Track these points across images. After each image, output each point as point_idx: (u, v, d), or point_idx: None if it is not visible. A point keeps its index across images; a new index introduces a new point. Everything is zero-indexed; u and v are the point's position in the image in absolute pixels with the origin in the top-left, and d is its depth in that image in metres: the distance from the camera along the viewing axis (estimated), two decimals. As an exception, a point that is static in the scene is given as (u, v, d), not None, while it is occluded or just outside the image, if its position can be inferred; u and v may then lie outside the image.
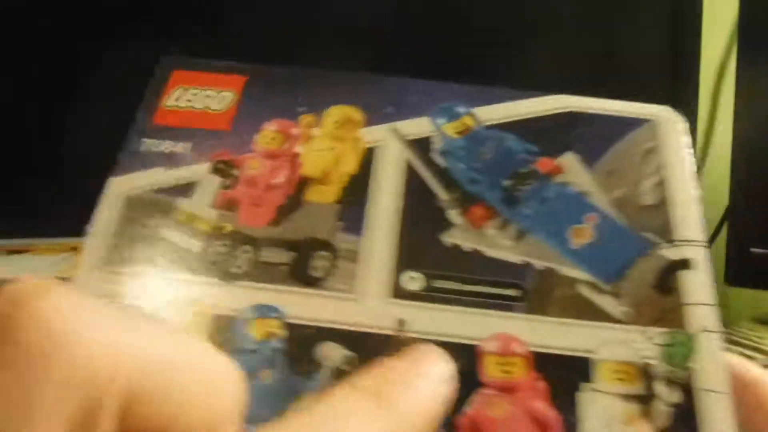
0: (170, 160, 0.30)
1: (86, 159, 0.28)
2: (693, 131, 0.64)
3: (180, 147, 0.30)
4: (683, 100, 0.64)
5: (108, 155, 0.30)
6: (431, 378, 0.21)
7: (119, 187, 0.29)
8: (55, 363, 0.13)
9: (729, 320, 0.74)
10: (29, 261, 0.69)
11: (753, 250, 0.65)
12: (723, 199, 0.67)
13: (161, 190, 0.29)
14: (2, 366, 0.13)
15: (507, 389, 0.26)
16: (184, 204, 0.29)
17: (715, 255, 0.72)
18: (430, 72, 0.33)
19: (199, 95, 0.32)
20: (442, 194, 0.30)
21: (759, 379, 0.28)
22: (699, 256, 0.29)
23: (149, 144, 0.30)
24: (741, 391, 0.27)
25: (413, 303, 0.27)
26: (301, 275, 0.28)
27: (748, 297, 0.74)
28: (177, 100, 0.32)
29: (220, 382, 0.18)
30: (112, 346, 0.14)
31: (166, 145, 0.30)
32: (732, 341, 0.61)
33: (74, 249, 0.72)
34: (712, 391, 0.26)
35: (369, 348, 0.26)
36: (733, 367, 0.27)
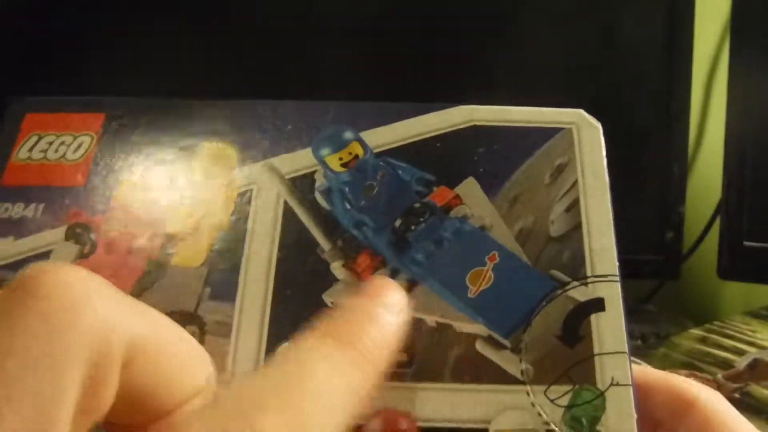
0: (19, 227, 0.27)
1: None
2: (686, 124, 0.62)
3: (31, 210, 0.27)
4: (676, 93, 0.61)
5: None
6: (388, 310, 0.22)
7: None
8: (76, 316, 0.16)
9: (722, 314, 0.73)
10: None
11: (746, 243, 0.64)
12: (716, 192, 0.66)
13: (8, 266, 0.26)
14: (35, 317, 0.16)
15: None
16: (35, 280, 0.26)
17: (707, 249, 0.70)
18: (321, 91, 0.29)
19: (54, 143, 0.29)
20: (324, 243, 0.26)
21: (700, 398, 0.26)
22: (612, 293, 0.26)
23: None
24: (685, 410, 0.25)
25: None
26: (164, 357, 0.25)
27: (741, 290, 0.73)
28: (30, 150, 0.28)
29: (199, 357, 0.20)
30: (119, 307, 0.18)
31: (15, 210, 0.27)
32: (725, 334, 0.61)
33: None
34: None
35: None
36: (675, 386, 0.26)
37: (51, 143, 0.28)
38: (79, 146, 0.28)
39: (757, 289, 0.70)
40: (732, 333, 0.61)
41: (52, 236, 0.27)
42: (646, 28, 0.59)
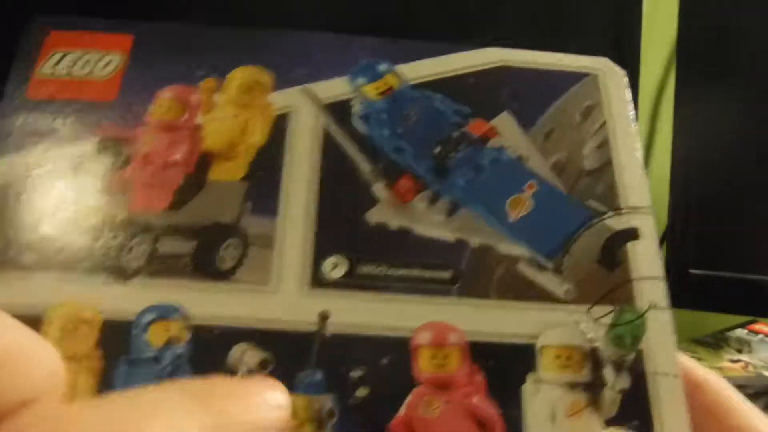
0: (50, 138, 0.26)
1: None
2: None
3: (59, 123, 0.26)
4: None
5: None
6: (264, 397, 0.19)
7: None
8: None
9: None
10: None
11: (692, 271, 0.64)
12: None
13: (39, 176, 0.25)
14: None
15: (442, 385, 0.23)
16: (66, 191, 0.25)
17: None
18: (352, 23, 0.29)
19: (80, 61, 0.28)
20: (364, 166, 0.26)
21: (708, 380, 0.26)
22: (646, 224, 0.26)
23: (23, 122, 0.26)
24: (692, 391, 0.25)
25: (336, 292, 0.24)
26: (206, 267, 0.24)
27: (688, 318, 0.72)
28: (54, 67, 0.27)
29: (34, 355, 0.17)
30: None
31: (43, 122, 0.26)
32: None
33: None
34: (663, 374, 0.24)
35: (289, 348, 0.23)
36: (683, 367, 0.25)
37: (76, 61, 0.28)
38: (108, 63, 0.27)
39: (703, 316, 0.70)
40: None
41: (85, 148, 0.26)
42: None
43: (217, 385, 0.19)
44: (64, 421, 0.16)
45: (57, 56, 0.28)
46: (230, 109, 0.27)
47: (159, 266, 0.24)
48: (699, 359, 0.62)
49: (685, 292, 0.62)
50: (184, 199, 0.25)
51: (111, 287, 0.23)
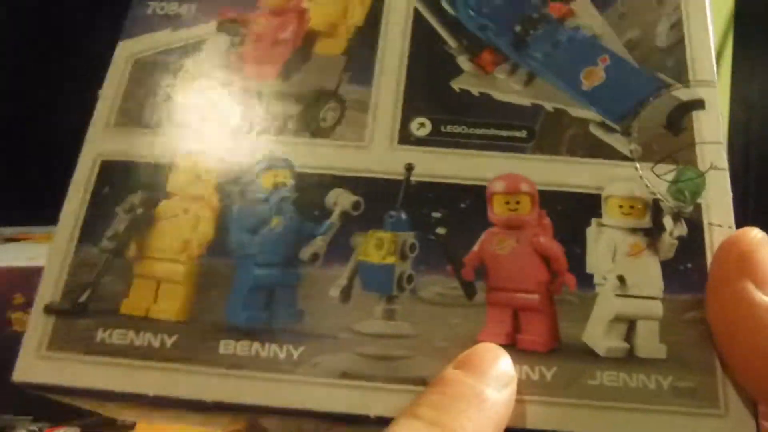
0: (176, 21, 0.30)
1: (80, 144, 0.28)
2: None
3: (185, 8, 0.30)
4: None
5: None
6: (494, 386, 0.21)
7: (127, 51, 0.30)
8: None
9: None
10: (27, 249, 0.67)
11: None
12: None
13: (168, 52, 0.30)
14: None
15: (513, 226, 0.26)
16: (191, 64, 0.29)
17: None
18: None
19: None
20: (451, 41, 0.29)
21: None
22: (710, 96, 0.28)
23: (154, 6, 0.31)
24: (744, 316, 0.22)
25: (421, 148, 0.27)
26: (309, 126, 0.28)
27: None
28: None
29: None
30: None
31: (171, 7, 0.30)
32: None
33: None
34: (720, 226, 0.26)
35: (377, 192, 0.27)
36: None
37: None
38: None
39: None
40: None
41: (205, 29, 0.30)
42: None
43: (446, 398, 0.20)
44: None
45: None
46: (332, -7, 0.30)
47: (269, 125, 0.28)
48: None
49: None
50: (291, 70, 0.29)
51: (229, 142, 0.28)
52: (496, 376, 0.21)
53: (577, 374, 0.24)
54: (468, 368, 0.22)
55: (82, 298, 0.25)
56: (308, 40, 0.30)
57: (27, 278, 0.58)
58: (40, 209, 0.38)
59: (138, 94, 0.29)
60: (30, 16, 0.76)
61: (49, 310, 0.25)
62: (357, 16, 0.30)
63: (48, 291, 0.25)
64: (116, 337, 0.25)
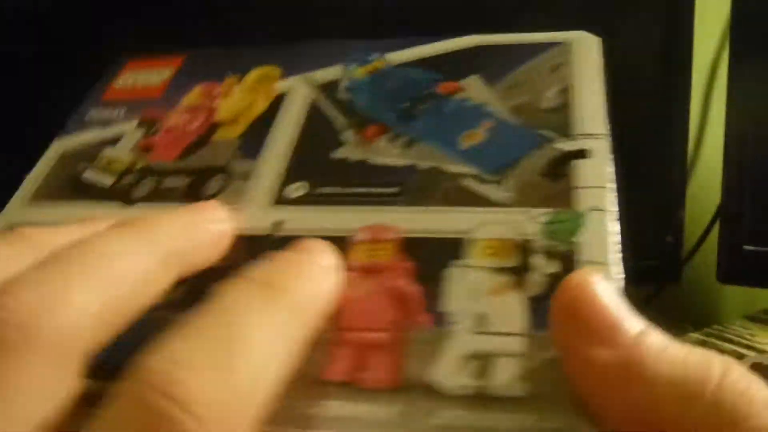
0: (106, 122, 0.33)
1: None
2: (685, 128, 0.63)
3: (116, 113, 0.34)
4: (675, 97, 0.63)
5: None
6: (320, 265, 0.22)
7: (60, 146, 0.33)
8: None
9: (721, 318, 0.71)
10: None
11: (746, 247, 0.63)
12: (715, 196, 0.66)
13: (93, 145, 0.32)
14: None
15: (371, 271, 0.25)
16: (108, 151, 0.32)
17: (706, 253, 0.68)
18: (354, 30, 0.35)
19: (141, 76, 0.36)
20: (340, 120, 0.31)
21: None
22: (598, 147, 0.27)
23: (93, 113, 0.34)
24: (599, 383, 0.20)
25: (294, 207, 0.28)
26: (194, 195, 0.29)
27: (741, 294, 0.72)
28: (124, 82, 0.36)
29: None
30: None
31: (106, 113, 0.34)
32: (724, 338, 0.58)
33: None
34: (595, 262, 0.24)
35: (246, 249, 0.27)
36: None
37: (139, 76, 0.36)
38: (160, 75, 0.35)
39: (756, 293, 0.68)
40: (731, 337, 0.58)
41: (128, 126, 0.33)
42: (644, 33, 0.60)
43: (279, 265, 0.21)
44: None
45: (128, 75, 0.36)
46: (243, 94, 0.33)
47: (159, 196, 0.29)
48: (752, 335, 0.59)
49: (738, 268, 0.64)
50: (191, 152, 0.31)
51: (119, 210, 0.29)
52: (324, 262, 0.23)
53: (423, 413, 0.21)
54: (299, 250, 0.23)
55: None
56: (212, 129, 0.32)
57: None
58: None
59: (56, 176, 0.31)
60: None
61: None
62: (260, 108, 0.32)
63: None
64: None
